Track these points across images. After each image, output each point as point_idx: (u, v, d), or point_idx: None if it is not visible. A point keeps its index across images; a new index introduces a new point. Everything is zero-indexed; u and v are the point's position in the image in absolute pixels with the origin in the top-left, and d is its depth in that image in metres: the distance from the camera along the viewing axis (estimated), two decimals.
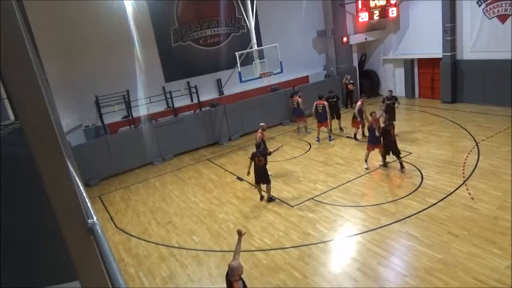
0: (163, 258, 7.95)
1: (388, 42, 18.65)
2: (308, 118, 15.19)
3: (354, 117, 13.05)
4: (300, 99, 14.78)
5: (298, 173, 11.33)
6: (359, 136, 13.35)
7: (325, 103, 13.48)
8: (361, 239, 7.57)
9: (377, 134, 10.22)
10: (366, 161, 10.85)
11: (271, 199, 9.73)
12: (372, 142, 10.59)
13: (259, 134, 10.90)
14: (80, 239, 1.29)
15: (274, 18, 17.01)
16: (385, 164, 10.70)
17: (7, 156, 2.50)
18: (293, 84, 16.77)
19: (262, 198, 9.96)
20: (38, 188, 1.30)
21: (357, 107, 12.77)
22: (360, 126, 13.18)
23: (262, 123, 11.25)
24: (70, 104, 12.92)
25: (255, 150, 9.80)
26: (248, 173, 9.83)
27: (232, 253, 7.63)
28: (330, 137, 13.67)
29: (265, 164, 9.61)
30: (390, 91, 13.34)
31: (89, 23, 13.12)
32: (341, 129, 14.53)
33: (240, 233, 5.16)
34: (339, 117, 14.56)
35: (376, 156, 11.61)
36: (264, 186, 9.82)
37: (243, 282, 4.81)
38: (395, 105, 12.89)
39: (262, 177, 9.69)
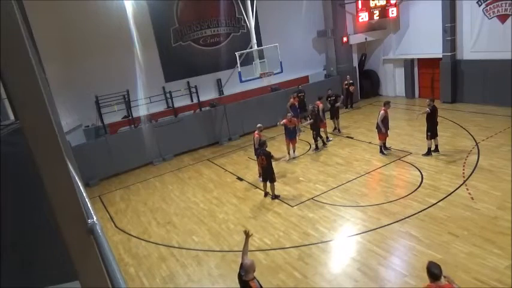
0: (163, 258, 7.95)
1: (388, 42, 18.65)
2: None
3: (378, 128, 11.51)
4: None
5: (298, 173, 11.33)
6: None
7: (321, 105, 13.40)
8: (361, 239, 7.57)
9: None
10: (288, 153, 12.39)
11: (275, 197, 9.79)
12: (289, 137, 12.28)
13: (256, 135, 10.91)
14: (80, 239, 1.29)
15: (274, 18, 17.02)
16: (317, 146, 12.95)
17: (7, 156, 2.50)
18: (293, 84, 16.78)
19: (266, 194, 10.03)
20: (38, 188, 1.30)
21: (380, 117, 11.23)
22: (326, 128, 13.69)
23: (259, 125, 11.25)
24: (70, 104, 12.92)
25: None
26: (260, 175, 10.44)
27: (232, 253, 7.70)
28: (327, 137, 13.68)
29: (268, 164, 9.63)
30: (431, 100, 10.98)
31: (89, 23, 13.13)
32: (338, 130, 14.61)
33: (246, 234, 5.18)
34: (337, 117, 14.59)
35: (376, 156, 11.63)
36: (269, 185, 9.88)
37: (257, 280, 4.83)
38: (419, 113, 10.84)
39: (266, 175, 9.79)
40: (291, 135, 12.17)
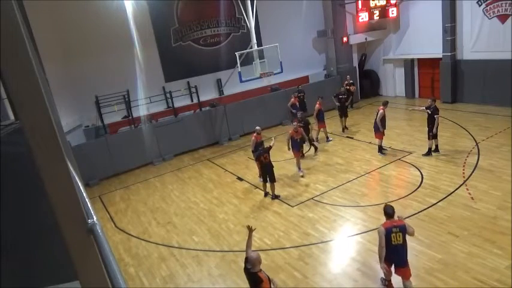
0: (163, 258, 7.95)
1: (388, 42, 18.65)
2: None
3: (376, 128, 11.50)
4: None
5: (298, 173, 11.32)
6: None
7: (318, 106, 13.26)
8: (361, 239, 7.57)
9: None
10: (299, 168, 11.22)
11: (275, 197, 9.80)
12: (296, 149, 11.05)
13: (253, 138, 10.89)
14: (80, 239, 1.29)
15: (274, 18, 17.02)
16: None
17: (7, 157, 2.50)
18: (293, 84, 16.80)
19: (266, 194, 10.03)
20: (38, 188, 1.30)
21: (379, 116, 11.23)
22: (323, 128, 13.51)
23: (257, 127, 11.09)
24: (70, 104, 12.93)
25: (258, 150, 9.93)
26: (260, 175, 10.27)
27: (232, 253, 7.70)
28: (327, 138, 13.69)
29: (270, 161, 9.65)
30: (433, 100, 10.79)
31: (89, 23, 13.13)
32: (345, 127, 14.57)
33: (250, 229, 5.19)
34: (345, 115, 14.52)
35: (376, 156, 11.63)
36: (269, 185, 9.87)
37: (264, 271, 4.86)
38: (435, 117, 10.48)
39: (266, 175, 9.74)
40: (297, 146, 11.00)
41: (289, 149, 11.10)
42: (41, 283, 2.57)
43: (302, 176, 10.92)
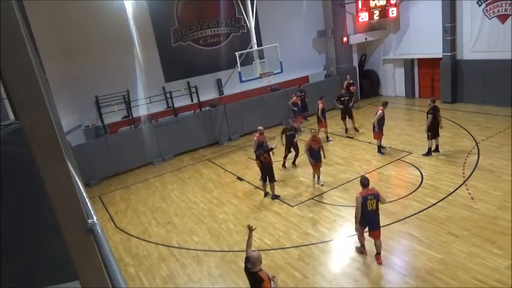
0: (163, 258, 7.95)
1: (388, 42, 18.65)
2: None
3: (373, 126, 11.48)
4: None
5: (298, 173, 11.32)
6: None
7: (321, 105, 13.28)
8: None
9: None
10: (314, 177, 10.48)
11: (275, 197, 9.79)
12: (314, 159, 10.04)
13: (255, 138, 10.86)
14: (80, 239, 1.29)
15: (274, 18, 17.02)
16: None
17: (7, 156, 2.50)
18: (293, 84, 16.81)
19: (266, 194, 10.03)
20: (38, 188, 1.30)
21: (377, 116, 11.26)
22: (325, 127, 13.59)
23: (260, 127, 11.00)
24: (70, 104, 12.93)
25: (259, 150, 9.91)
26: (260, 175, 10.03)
27: (232, 253, 7.70)
28: (327, 137, 13.69)
29: (271, 160, 9.65)
30: (432, 100, 10.76)
31: (89, 23, 13.13)
32: (355, 129, 14.34)
33: (250, 228, 5.18)
34: (351, 117, 14.37)
35: (376, 156, 11.62)
36: (269, 185, 9.85)
37: (264, 271, 4.86)
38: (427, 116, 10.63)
39: (268, 174, 9.71)
40: (316, 157, 10.01)
41: (310, 161, 10.10)
42: (41, 283, 2.57)
43: (322, 185, 10.16)
